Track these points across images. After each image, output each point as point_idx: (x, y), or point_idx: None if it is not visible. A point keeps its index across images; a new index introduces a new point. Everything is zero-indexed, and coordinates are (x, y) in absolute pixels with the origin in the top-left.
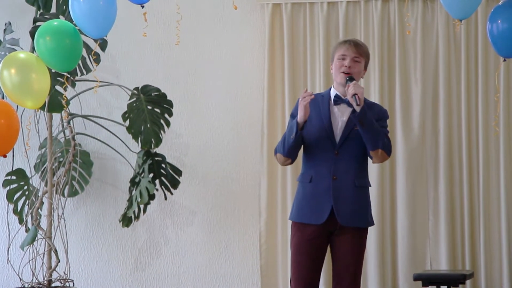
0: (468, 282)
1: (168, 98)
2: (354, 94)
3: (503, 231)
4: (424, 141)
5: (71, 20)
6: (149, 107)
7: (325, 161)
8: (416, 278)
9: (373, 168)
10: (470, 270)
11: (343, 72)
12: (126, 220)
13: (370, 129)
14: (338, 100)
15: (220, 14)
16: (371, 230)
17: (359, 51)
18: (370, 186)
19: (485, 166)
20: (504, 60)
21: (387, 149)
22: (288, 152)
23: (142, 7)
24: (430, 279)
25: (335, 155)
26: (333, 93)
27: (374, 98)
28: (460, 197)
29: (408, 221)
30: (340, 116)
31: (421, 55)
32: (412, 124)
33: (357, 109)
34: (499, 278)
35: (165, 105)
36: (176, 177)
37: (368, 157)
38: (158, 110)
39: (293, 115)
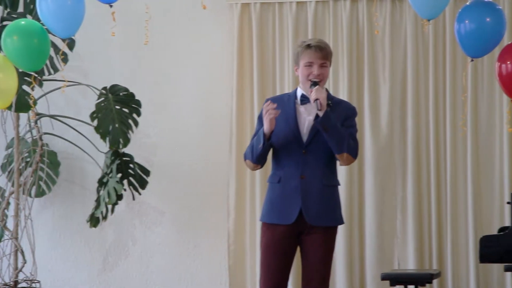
0: (435, 281)
1: (136, 98)
2: (316, 99)
3: (470, 231)
4: (392, 141)
5: (38, 20)
6: (117, 107)
7: (293, 161)
8: (384, 277)
9: (341, 167)
10: (437, 270)
11: (311, 80)
12: (94, 221)
13: (334, 134)
14: (305, 99)
15: (189, 13)
16: (339, 230)
17: (325, 55)
18: (339, 184)
19: (452, 166)
20: (472, 60)
21: (352, 152)
22: (257, 159)
23: (111, 6)
24: (397, 278)
25: (302, 155)
26: (299, 92)
27: (342, 97)
28: (428, 197)
29: (376, 221)
30: (307, 115)
31: (389, 55)
32: (380, 124)
33: (320, 114)
34: (465, 277)
35: (133, 105)
36: (144, 177)
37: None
38: (126, 110)
39: (260, 118)
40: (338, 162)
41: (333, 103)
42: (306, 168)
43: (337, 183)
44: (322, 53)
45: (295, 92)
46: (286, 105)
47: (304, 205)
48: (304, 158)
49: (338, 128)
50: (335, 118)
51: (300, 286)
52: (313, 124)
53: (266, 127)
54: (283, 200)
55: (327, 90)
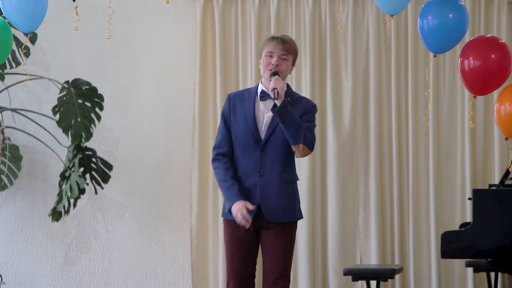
0: (397, 276)
1: (99, 92)
2: (274, 89)
3: (432, 226)
4: (355, 137)
5: (0, 13)
6: (80, 101)
7: (252, 158)
8: (346, 273)
9: (303, 163)
10: (400, 265)
11: (270, 70)
12: (56, 215)
13: (291, 124)
14: (264, 95)
15: (152, 8)
16: (302, 225)
17: (287, 48)
18: (298, 180)
19: (415, 161)
20: (435, 56)
21: (308, 144)
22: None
23: (74, 0)
24: (360, 274)
25: (260, 152)
26: (260, 88)
27: (305, 93)
28: (390, 193)
29: (338, 216)
30: (266, 112)
31: (352, 51)
32: (343, 120)
33: (277, 103)
34: (427, 272)
35: (96, 99)
36: (107, 171)
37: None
38: (88, 104)
39: (224, 114)
40: (294, 155)
41: (294, 99)
42: (264, 165)
43: (295, 178)
44: (283, 45)
45: (256, 88)
46: (246, 102)
47: (262, 202)
48: (262, 155)
49: (295, 118)
50: (292, 110)
51: None
52: (271, 120)
53: (234, 211)
54: (243, 197)
55: (288, 86)
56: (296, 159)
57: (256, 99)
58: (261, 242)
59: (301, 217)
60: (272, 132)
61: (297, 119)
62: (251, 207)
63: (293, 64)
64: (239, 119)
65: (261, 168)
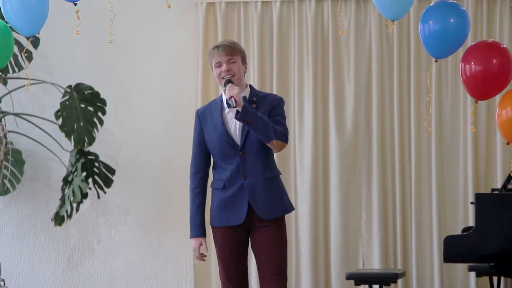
0: (400, 281)
1: (101, 96)
2: (230, 97)
3: (434, 230)
4: (357, 141)
5: (2, 17)
6: (82, 106)
7: (232, 164)
8: (349, 277)
9: (306, 166)
10: (402, 269)
11: (224, 78)
12: (59, 219)
13: (257, 124)
14: (228, 104)
15: (154, 12)
16: (304, 229)
17: (231, 52)
18: (281, 173)
19: (417, 166)
20: (436, 61)
21: (281, 137)
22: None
23: (75, 4)
24: (362, 278)
25: (240, 156)
26: (224, 98)
27: (307, 97)
28: (393, 197)
29: (341, 220)
30: (233, 117)
31: (354, 55)
32: (345, 124)
33: (239, 109)
34: (430, 277)
35: (98, 104)
36: (109, 175)
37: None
38: (91, 109)
39: (195, 132)
40: (272, 151)
41: (259, 98)
42: (246, 168)
43: (278, 173)
44: (226, 50)
45: (220, 97)
46: (213, 113)
47: (253, 203)
48: (242, 159)
49: (259, 117)
50: (255, 111)
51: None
52: (243, 125)
53: (194, 244)
54: (232, 203)
55: (251, 86)
56: (276, 154)
57: (223, 108)
58: (252, 243)
59: (292, 208)
60: (247, 135)
61: (262, 118)
62: (205, 250)
63: (244, 62)
64: (211, 130)
65: (244, 171)
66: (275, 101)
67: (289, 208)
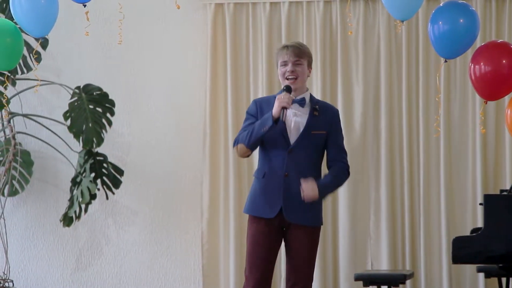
0: (408, 282)
1: (110, 97)
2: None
3: (443, 231)
4: (366, 142)
5: (11, 19)
6: (91, 106)
7: (278, 158)
8: (357, 278)
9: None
10: (410, 270)
11: (287, 78)
12: (67, 220)
13: (333, 191)
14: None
15: (163, 13)
16: None
17: (299, 54)
18: None
19: (425, 166)
20: (445, 61)
21: (346, 176)
22: (252, 144)
23: (84, 6)
24: (371, 279)
25: (288, 153)
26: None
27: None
28: (401, 198)
29: (349, 221)
30: (292, 116)
31: (362, 56)
32: (354, 125)
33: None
34: (438, 278)
35: (107, 105)
36: (118, 176)
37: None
38: (100, 110)
39: (249, 113)
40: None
41: (320, 106)
42: (291, 167)
43: None
44: (295, 51)
45: (281, 93)
46: (272, 105)
47: (285, 203)
48: (290, 157)
49: (330, 187)
50: (325, 186)
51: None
52: (303, 128)
53: (275, 111)
54: (266, 195)
55: (311, 95)
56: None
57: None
58: (286, 243)
59: (320, 223)
60: (302, 139)
61: (332, 185)
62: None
63: (310, 66)
64: None
65: (288, 170)
66: (335, 116)
67: (317, 222)
